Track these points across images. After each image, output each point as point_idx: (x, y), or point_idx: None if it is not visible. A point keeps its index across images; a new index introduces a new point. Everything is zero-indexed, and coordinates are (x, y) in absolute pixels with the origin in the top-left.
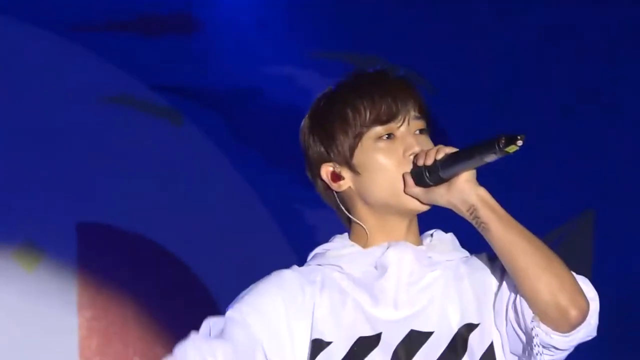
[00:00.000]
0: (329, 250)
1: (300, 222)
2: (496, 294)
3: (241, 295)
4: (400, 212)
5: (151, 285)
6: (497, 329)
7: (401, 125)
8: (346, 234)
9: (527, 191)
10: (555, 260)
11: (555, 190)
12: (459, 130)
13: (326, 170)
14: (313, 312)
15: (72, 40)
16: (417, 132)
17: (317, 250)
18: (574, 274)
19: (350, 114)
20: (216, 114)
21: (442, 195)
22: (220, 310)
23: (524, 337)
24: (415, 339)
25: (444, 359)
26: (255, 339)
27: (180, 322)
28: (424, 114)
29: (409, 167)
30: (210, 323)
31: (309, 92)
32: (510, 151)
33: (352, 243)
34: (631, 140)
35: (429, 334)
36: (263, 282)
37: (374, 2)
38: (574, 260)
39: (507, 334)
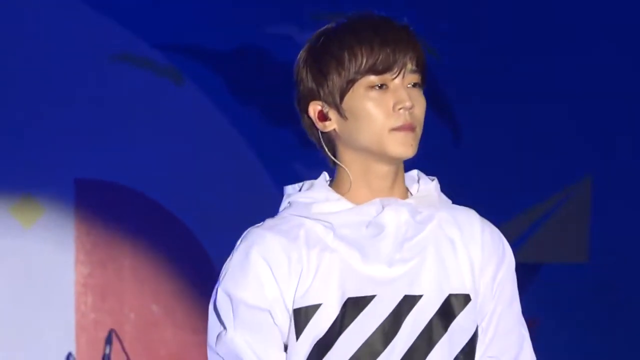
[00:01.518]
0: (313, 202)
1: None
2: (485, 290)
3: (228, 276)
4: (384, 159)
5: (148, 242)
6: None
7: (396, 77)
8: (323, 178)
9: (525, 160)
10: None
11: (553, 158)
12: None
13: (314, 108)
14: (300, 276)
15: None
16: (411, 85)
17: (297, 198)
18: None
19: (346, 58)
20: (216, 73)
21: None
22: (215, 269)
23: None
24: (406, 303)
25: (432, 325)
26: (268, 310)
27: (177, 280)
28: (420, 67)
29: (396, 121)
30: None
31: None
32: None
33: (339, 196)
34: (628, 108)
35: (419, 297)
36: (247, 255)
37: None
38: (571, 226)
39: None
